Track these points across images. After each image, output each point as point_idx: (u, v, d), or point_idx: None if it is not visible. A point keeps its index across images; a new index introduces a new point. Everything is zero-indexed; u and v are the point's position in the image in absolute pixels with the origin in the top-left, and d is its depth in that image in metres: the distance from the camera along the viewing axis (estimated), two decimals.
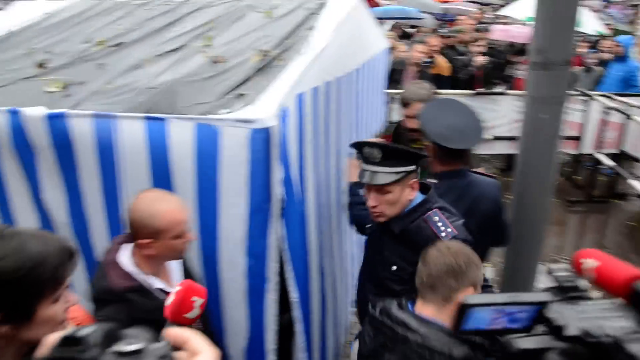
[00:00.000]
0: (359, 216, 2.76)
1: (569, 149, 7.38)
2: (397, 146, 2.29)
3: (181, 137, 2.09)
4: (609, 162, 6.87)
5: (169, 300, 1.51)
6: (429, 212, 2.30)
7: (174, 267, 2.13)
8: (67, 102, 2.37)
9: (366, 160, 2.33)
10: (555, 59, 2.83)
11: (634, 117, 6.39)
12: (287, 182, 2.22)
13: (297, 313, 2.47)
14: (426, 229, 2.27)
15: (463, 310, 0.91)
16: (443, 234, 2.23)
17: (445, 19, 12.47)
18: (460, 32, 9.32)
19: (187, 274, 2.16)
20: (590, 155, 7.41)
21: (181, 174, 2.15)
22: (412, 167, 2.27)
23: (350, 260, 3.85)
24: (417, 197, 2.37)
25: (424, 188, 2.42)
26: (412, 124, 3.00)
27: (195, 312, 1.53)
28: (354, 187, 2.84)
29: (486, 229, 2.67)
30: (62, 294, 1.34)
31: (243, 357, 2.46)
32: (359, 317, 2.91)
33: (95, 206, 2.31)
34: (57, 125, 2.15)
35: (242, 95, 2.31)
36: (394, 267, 2.37)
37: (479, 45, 7.65)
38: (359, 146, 2.40)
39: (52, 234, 1.42)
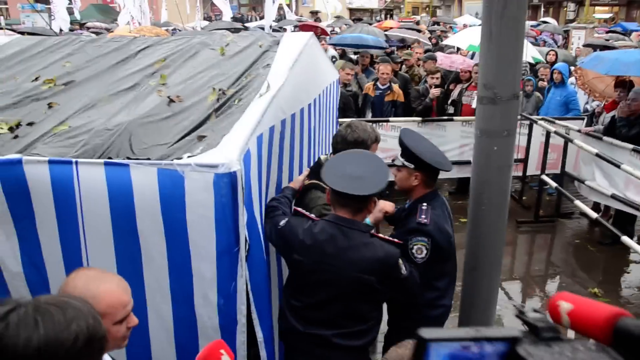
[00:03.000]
0: None
1: (516, 171, 7.62)
2: None
3: (144, 182, 2.06)
4: (552, 182, 7.13)
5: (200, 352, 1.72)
6: None
7: None
8: (15, 144, 2.27)
9: None
10: (503, 93, 2.93)
11: (574, 140, 6.67)
12: (251, 223, 2.21)
13: (262, 353, 2.44)
14: None
15: (421, 346, 0.77)
16: None
17: (391, 46, 12.72)
18: (408, 56, 9.64)
19: None
20: (535, 176, 7.68)
21: (147, 218, 2.11)
22: None
23: None
24: None
25: None
26: None
27: None
28: None
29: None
30: None
31: None
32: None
33: (53, 255, 2.22)
34: (8, 171, 2.07)
35: (202, 137, 2.29)
36: None
37: (434, 78, 7.89)
38: None
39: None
